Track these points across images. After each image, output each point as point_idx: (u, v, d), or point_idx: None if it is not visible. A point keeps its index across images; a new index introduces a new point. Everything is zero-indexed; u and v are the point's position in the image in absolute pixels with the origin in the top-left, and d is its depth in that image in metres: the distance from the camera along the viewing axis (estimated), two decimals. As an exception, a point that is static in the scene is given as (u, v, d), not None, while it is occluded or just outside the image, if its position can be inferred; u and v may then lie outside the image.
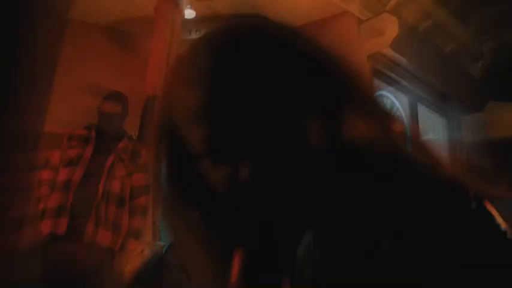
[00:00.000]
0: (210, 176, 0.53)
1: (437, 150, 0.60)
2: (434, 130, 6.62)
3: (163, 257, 3.30)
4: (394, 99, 5.60)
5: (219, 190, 0.53)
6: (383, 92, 5.44)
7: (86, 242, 2.74)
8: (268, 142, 0.50)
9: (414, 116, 5.75)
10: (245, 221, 0.54)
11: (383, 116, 0.59)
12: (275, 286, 0.53)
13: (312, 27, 5.19)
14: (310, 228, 0.53)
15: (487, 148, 7.05)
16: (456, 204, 0.50)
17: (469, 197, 0.51)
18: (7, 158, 4.82)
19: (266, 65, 0.54)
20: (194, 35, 5.05)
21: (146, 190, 3.08)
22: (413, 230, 0.48)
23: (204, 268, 0.60)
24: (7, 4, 6.33)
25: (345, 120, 0.55)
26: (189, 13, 4.66)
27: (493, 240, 0.49)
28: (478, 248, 0.46)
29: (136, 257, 3.16)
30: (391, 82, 5.47)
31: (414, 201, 0.50)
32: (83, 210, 2.81)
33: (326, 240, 0.50)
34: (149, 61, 3.81)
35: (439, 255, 0.46)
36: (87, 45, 5.38)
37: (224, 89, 0.51)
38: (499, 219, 0.49)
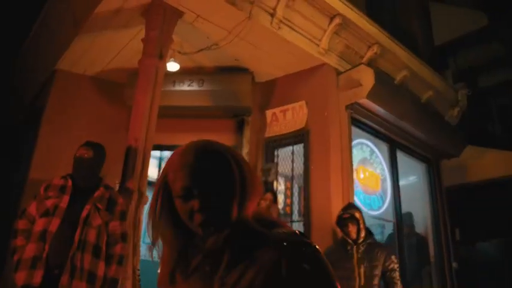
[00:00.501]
0: (180, 207, 1.06)
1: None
2: (414, 175, 6.75)
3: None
4: (373, 147, 5.74)
5: (184, 215, 1.06)
6: (362, 140, 5.59)
7: (61, 293, 2.73)
8: (210, 194, 1.04)
9: (393, 162, 5.88)
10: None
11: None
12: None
13: (292, 78, 5.40)
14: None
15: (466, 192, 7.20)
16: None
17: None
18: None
19: (215, 162, 1.08)
20: (178, 87, 5.20)
21: (122, 239, 3.10)
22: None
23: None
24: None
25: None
26: (173, 66, 4.81)
27: None
28: None
29: (115, 308, 3.13)
30: (369, 130, 5.62)
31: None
32: (58, 261, 2.78)
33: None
34: (132, 112, 3.90)
35: None
36: (74, 95, 5.51)
37: (196, 170, 1.05)
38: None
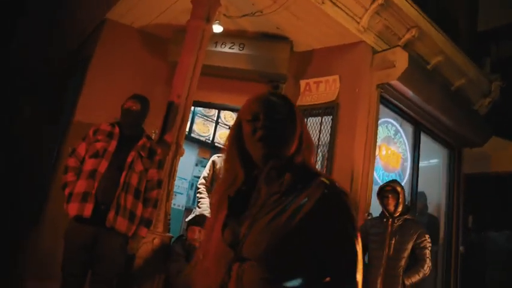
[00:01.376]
0: (246, 129, 1.32)
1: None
2: (435, 158, 6.91)
3: (171, 247, 3.68)
4: (399, 127, 5.94)
5: (248, 136, 1.31)
6: (388, 119, 5.78)
7: (107, 226, 3.13)
8: (274, 119, 1.29)
9: (416, 143, 6.06)
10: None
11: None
12: None
13: (329, 51, 5.57)
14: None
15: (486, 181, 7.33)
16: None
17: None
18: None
19: (282, 101, 1.36)
20: (219, 48, 5.45)
21: (158, 185, 3.47)
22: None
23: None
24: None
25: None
26: (217, 28, 5.04)
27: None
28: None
29: (147, 244, 3.55)
30: (397, 110, 5.80)
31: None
32: (105, 198, 3.15)
33: None
34: (176, 71, 4.19)
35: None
36: (120, 45, 5.80)
37: (264, 100, 1.34)
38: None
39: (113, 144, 3.34)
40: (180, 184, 7.40)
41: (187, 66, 4.10)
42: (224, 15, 5.19)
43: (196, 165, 7.99)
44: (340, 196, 1.23)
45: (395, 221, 3.99)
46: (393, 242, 3.93)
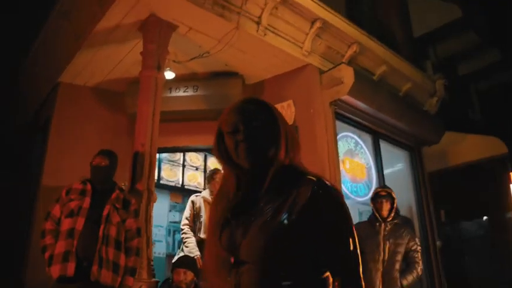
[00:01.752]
0: (229, 141, 1.33)
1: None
2: (398, 163, 7.20)
3: (158, 291, 3.73)
4: (358, 138, 6.21)
5: (231, 148, 1.32)
6: (347, 133, 6.05)
7: (92, 280, 3.15)
8: (256, 132, 1.30)
9: (377, 151, 6.34)
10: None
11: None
12: None
13: (279, 79, 5.83)
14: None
15: (448, 175, 7.68)
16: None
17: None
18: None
19: (259, 106, 1.37)
20: (174, 93, 5.62)
21: (138, 233, 3.53)
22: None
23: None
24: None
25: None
26: (169, 74, 5.22)
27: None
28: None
29: (134, 293, 3.58)
30: (353, 123, 6.08)
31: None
32: (87, 254, 3.19)
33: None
34: (137, 121, 4.32)
35: None
36: (77, 105, 5.88)
37: (241, 110, 1.34)
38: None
39: (87, 201, 3.42)
40: (158, 232, 7.41)
41: (146, 115, 4.24)
42: (174, 61, 5.38)
43: (170, 210, 8.07)
44: (330, 191, 1.26)
45: (388, 225, 4.14)
46: (387, 246, 4.07)
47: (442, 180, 7.59)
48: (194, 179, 8.15)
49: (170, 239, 7.84)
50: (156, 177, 6.55)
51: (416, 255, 4.16)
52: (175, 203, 7.97)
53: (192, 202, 5.00)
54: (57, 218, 3.43)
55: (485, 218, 8.29)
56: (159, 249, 7.41)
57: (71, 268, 3.17)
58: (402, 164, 7.19)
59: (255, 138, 1.30)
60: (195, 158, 8.21)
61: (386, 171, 6.43)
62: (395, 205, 4.21)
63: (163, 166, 7.90)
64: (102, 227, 3.32)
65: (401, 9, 8.20)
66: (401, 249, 4.11)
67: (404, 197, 6.97)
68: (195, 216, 4.89)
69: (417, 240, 4.28)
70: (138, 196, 3.92)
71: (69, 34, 5.32)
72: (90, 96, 6.01)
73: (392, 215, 4.18)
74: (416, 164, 7.08)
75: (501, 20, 9.45)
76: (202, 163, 8.28)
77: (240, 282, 1.22)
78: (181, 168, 8.13)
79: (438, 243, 6.79)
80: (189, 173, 8.17)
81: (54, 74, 5.87)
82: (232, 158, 1.34)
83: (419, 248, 4.23)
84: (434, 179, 7.42)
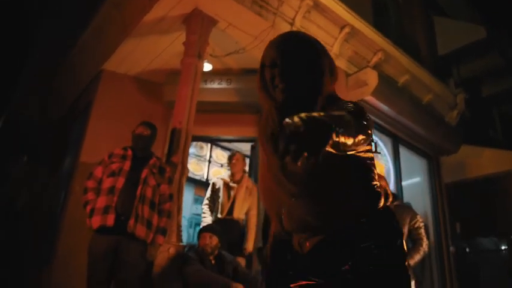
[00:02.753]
0: (267, 74, 1.40)
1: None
2: (416, 174, 7.42)
3: (185, 254, 4.06)
4: (379, 140, 6.50)
5: (269, 81, 1.40)
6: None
7: (128, 233, 3.49)
8: (289, 65, 1.37)
9: (396, 154, 6.61)
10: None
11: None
12: None
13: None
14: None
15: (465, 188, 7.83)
16: None
17: None
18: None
19: (305, 45, 1.42)
20: (209, 85, 6.04)
21: (170, 198, 3.88)
22: None
23: None
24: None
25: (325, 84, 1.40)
26: (207, 66, 5.63)
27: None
28: None
29: (163, 252, 3.92)
30: (375, 125, 6.37)
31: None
32: (124, 210, 3.53)
33: None
34: (176, 102, 4.73)
35: None
36: (117, 92, 6.34)
37: (280, 45, 1.42)
38: None
39: (127, 164, 3.79)
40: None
41: (185, 97, 4.63)
42: (211, 55, 5.80)
43: (194, 203, 8.40)
44: (362, 109, 1.27)
45: None
46: None
47: (458, 192, 7.75)
48: (218, 174, 8.49)
49: (191, 231, 8.15)
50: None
51: (420, 232, 4.22)
52: (199, 196, 8.28)
53: (213, 184, 5.35)
54: (99, 178, 3.79)
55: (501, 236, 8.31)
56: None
57: (110, 219, 3.51)
58: (420, 172, 7.42)
59: (290, 74, 1.35)
60: (220, 155, 8.54)
61: (404, 183, 6.67)
62: (388, 191, 4.11)
63: (190, 160, 8.26)
64: (139, 187, 3.65)
65: (427, 25, 8.52)
66: (405, 230, 4.21)
67: (421, 205, 7.18)
68: (214, 197, 5.23)
69: (419, 217, 4.31)
70: (173, 167, 4.29)
71: (118, 24, 5.79)
72: (130, 84, 6.46)
73: (390, 199, 4.15)
74: (434, 172, 7.31)
75: (526, 44, 9.66)
76: (227, 161, 8.60)
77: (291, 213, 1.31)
78: (207, 163, 8.49)
79: (451, 248, 6.95)
80: (213, 168, 8.50)
81: (99, 62, 6.33)
82: (270, 90, 1.42)
83: (422, 224, 4.26)
84: (451, 190, 7.60)
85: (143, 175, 3.75)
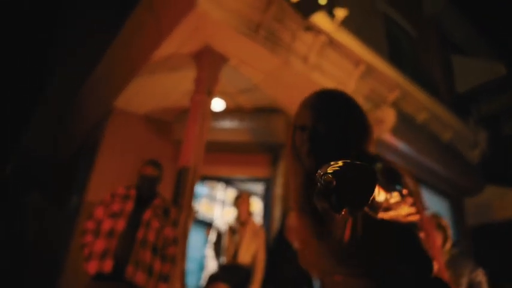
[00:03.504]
0: (297, 137, 1.25)
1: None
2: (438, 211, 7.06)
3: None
4: (397, 181, 6.19)
5: (298, 144, 1.25)
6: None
7: (126, 279, 3.24)
8: (332, 137, 1.21)
9: (416, 196, 6.28)
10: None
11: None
12: None
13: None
14: None
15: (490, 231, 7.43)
16: None
17: None
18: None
19: (342, 109, 1.26)
20: (220, 124, 5.86)
21: (174, 242, 3.63)
22: None
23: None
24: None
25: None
26: (219, 105, 5.48)
27: None
28: None
29: (166, 302, 3.63)
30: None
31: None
32: (124, 254, 3.27)
33: None
34: (184, 140, 4.54)
35: None
36: (126, 130, 6.23)
37: (316, 112, 1.24)
38: None
39: (130, 205, 3.56)
40: (191, 264, 7.43)
41: (193, 135, 4.45)
42: (222, 93, 5.66)
43: (205, 245, 8.08)
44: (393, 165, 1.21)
45: (445, 256, 3.66)
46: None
47: (482, 235, 7.34)
48: (230, 215, 8.23)
49: (203, 274, 7.82)
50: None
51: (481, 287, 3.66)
52: (211, 237, 8.01)
53: (217, 228, 5.14)
54: (99, 218, 3.56)
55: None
56: (191, 282, 7.39)
57: (108, 265, 3.26)
58: (442, 214, 7.04)
59: (319, 141, 1.22)
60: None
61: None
62: (448, 234, 3.72)
63: (201, 201, 8.03)
64: (141, 230, 3.42)
65: (444, 62, 8.34)
66: (464, 282, 3.64)
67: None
68: (218, 242, 4.99)
69: (480, 270, 3.68)
70: (178, 208, 4.05)
71: (126, 63, 5.72)
72: (139, 122, 6.36)
73: (448, 246, 3.69)
74: (456, 214, 6.94)
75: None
76: (234, 200, 8.36)
77: None
78: (219, 204, 8.23)
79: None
80: (226, 209, 8.25)
81: (108, 100, 6.26)
82: (299, 154, 1.28)
83: (484, 279, 3.65)
84: (475, 233, 7.21)
85: (146, 217, 3.51)
